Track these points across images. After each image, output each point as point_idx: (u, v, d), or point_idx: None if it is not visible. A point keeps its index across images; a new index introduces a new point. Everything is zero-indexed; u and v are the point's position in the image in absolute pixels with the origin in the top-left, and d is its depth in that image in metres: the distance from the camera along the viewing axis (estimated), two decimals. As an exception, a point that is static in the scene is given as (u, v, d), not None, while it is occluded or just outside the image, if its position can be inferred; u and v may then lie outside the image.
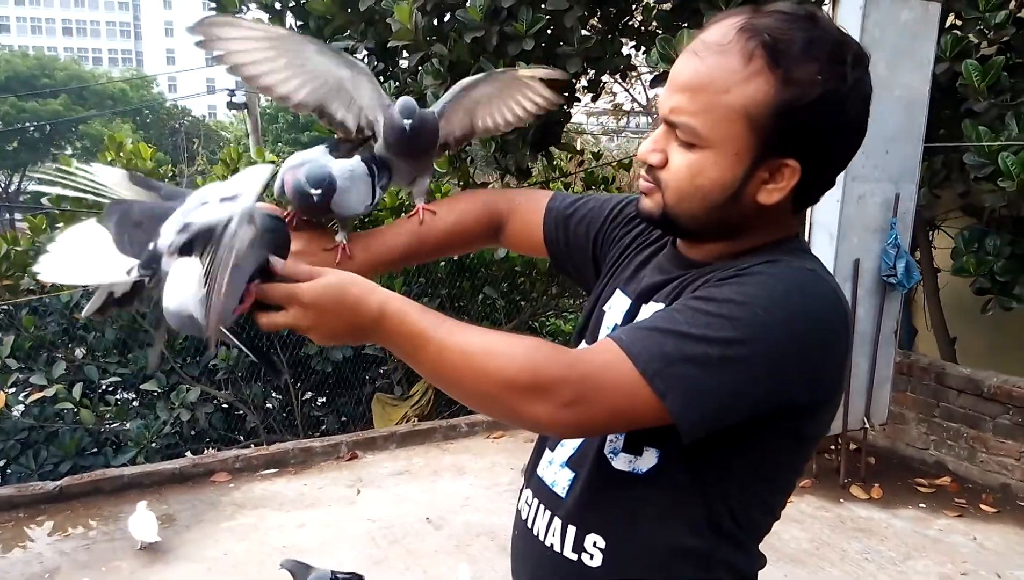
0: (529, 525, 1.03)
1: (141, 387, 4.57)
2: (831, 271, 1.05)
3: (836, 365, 0.88)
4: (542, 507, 1.01)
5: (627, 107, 13.29)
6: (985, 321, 4.22)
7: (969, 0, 3.52)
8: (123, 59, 66.50)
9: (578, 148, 5.97)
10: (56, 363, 4.32)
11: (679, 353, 0.81)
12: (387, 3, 3.99)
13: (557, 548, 0.98)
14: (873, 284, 3.57)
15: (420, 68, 4.20)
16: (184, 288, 0.87)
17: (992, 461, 3.82)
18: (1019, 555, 3.25)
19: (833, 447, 4.00)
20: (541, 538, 1.00)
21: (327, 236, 1.18)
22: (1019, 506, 3.66)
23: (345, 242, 1.17)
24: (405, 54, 4.33)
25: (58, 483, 3.63)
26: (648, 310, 0.96)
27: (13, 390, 4.31)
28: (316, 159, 1.15)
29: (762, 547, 0.98)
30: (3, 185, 32.88)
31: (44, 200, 4.36)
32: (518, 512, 1.08)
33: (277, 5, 5.23)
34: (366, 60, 5.13)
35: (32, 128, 29.59)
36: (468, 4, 3.88)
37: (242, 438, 4.95)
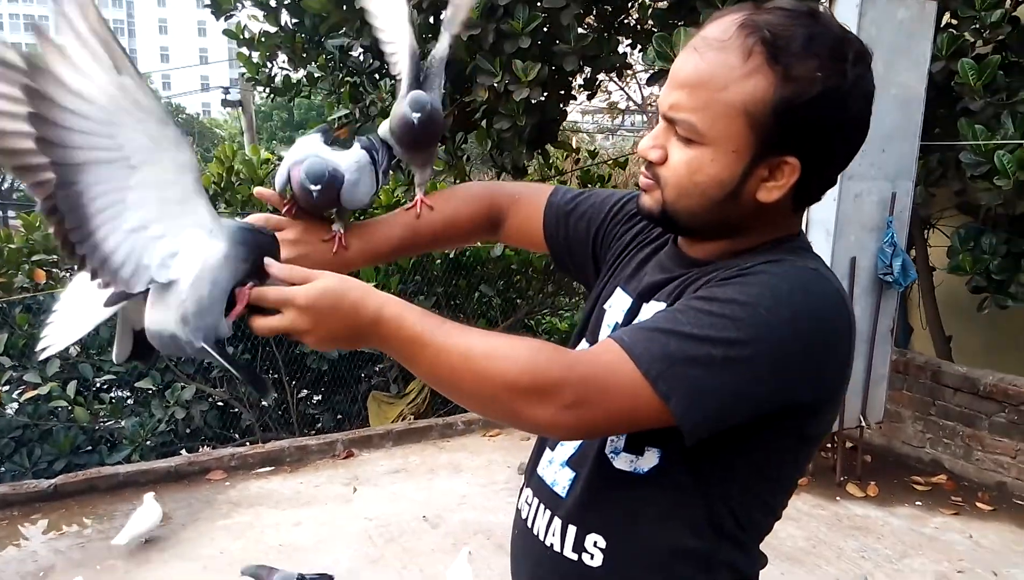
0: (529, 525, 1.03)
1: (136, 385, 4.55)
2: (827, 269, 1.05)
3: (839, 364, 0.88)
4: (542, 507, 1.01)
5: (622, 105, 13.31)
6: (981, 319, 4.23)
7: (965, -1, 3.52)
8: (117, 56, 66.29)
9: (574, 146, 5.97)
10: (50, 361, 4.29)
11: (682, 354, 0.80)
12: (383, 0, 3.97)
13: (557, 548, 0.97)
14: (869, 282, 3.57)
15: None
16: (163, 309, 0.88)
17: (988, 459, 3.83)
18: (1015, 553, 3.26)
19: (829, 445, 4.01)
20: (541, 538, 1.00)
21: (324, 227, 1.18)
22: (1015, 504, 3.67)
23: (342, 232, 1.16)
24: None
25: (52, 481, 3.62)
26: (649, 309, 0.96)
27: (7, 388, 4.29)
28: (317, 152, 1.14)
29: (758, 545, 0.98)
30: (-3, 182, 32.75)
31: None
32: (518, 511, 1.07)
33: (272, 3, 5.22)
34: (362, 58, 5.13)
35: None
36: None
37: (237, 436, 4.93)
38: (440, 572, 2.96)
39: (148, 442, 4.40)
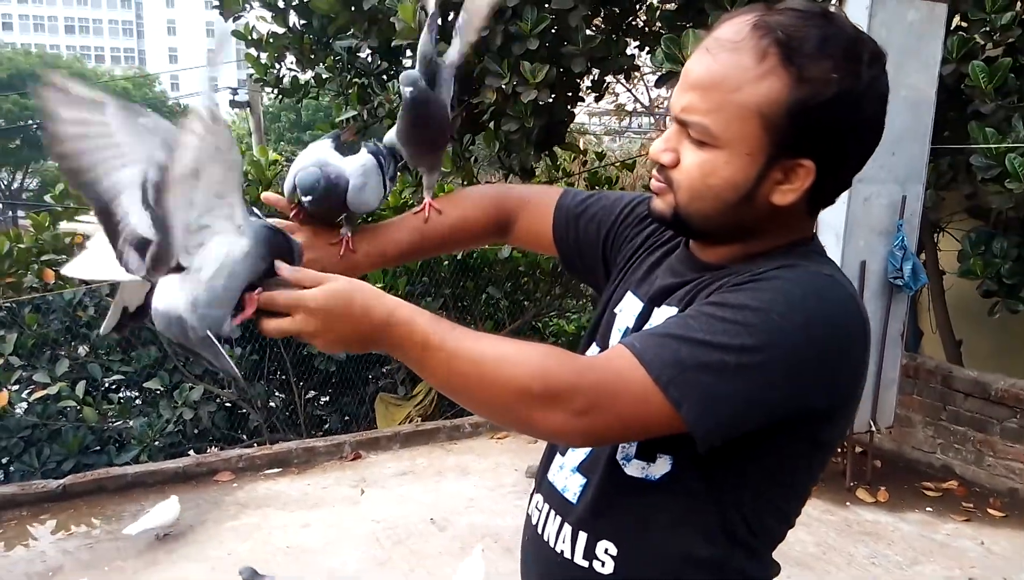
0: (539, 531, 1.02)
1: (144, 385, 4.56)
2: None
3: (853, 370, 0.86)
4: (552, 513, 1.00)
5: (630, 107, 13.30)
6: (991, 323, 4.20)
7: (975, 1, 3.50)
8: (125, 57, 66.68)
9: (581, 148, 5.96)
10: (59, 361, 4.31)
11: (694, 360, 0.79)
12: (391, 2, 3.98)
13: (568, 555, 0.96)
14: (879, 286, 3.55)
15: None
16: (175, 290, 0.89)
17: (1000, 465, 3.80)
18: (1026, 559, 3.24)
19: (839, 450, 3.98)
20: (551, 544, 0.98)
21: (332, 230, 1.18)
22: (1026, 510, 3.64)
23: (350, 236, 1.17)
24: (409, 53, 4.32)
25: (61, 482, 3.63)
26: (661, 314, 0.95)
27: (16, 388, 4.30)
28: (324, 158, 1.14)
29: (768, 551, 0.97)
30: (6, 182, 32.95)
31: (47, 197, 4.36)
32: (528, 517, 1.06)
33: (280, 4, 5.23)
34: (370, 59, 5.13)
35: (35, 126, 29.62)
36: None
37: (245, 437, 4.94)
38: (448, 575, 2.96)
39: (156, 443, 4.41)
